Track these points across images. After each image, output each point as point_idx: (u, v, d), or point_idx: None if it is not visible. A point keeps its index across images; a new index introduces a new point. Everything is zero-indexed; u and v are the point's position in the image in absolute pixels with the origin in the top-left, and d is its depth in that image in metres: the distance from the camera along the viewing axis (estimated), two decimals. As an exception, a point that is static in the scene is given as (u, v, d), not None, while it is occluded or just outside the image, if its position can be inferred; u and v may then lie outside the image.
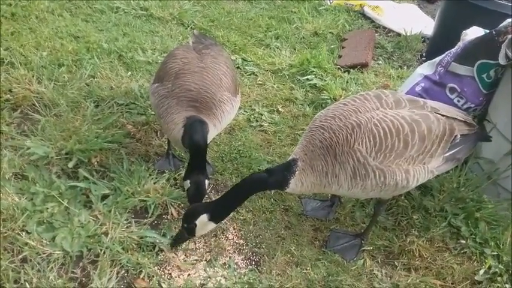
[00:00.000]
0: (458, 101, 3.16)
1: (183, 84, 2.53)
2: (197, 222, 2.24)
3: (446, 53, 3.24)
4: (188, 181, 2.40)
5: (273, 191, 2.87)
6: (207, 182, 2.44)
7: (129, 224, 2.44)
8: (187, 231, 2.30)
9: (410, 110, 2.36)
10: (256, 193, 2.43)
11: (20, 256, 2.20)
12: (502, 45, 2.83)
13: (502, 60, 2.79)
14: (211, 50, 2.74)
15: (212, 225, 2.30)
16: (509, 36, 2.84)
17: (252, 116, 3.58)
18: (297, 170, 2.23)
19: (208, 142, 2.62)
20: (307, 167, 2.24)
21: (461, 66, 3.10)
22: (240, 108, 3.61)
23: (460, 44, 3.17)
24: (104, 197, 2.56)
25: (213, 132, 2.56)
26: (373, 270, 2.49)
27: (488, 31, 3.01)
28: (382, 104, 2.34)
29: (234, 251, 2.48)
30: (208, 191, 2.83)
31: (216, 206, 2.27)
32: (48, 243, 2.27)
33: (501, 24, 2.93)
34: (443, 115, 2.41)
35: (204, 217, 2.23)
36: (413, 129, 2.24)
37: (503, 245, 2.57)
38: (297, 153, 2.30)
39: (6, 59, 3.44)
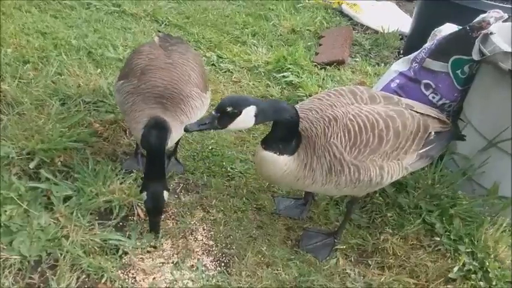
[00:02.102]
0: (433, 97, 3.13)
1: (150, 80, 2.43)
2: (244, 111, 1.97)
3: (420, 49, 3.21)
4: (145, 193, 2.23)
5: (245, 190, 2.80)
6: (166, 193, 2.25)
7: (92, 226, 2.34)
8: (224, 118, 1.98)
9: (385, 106, 2.31)
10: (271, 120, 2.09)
11: (-26, 261, 2.08)
12: (476, 40, 2.81)
13: (475, 56, 2.77)
14: (178, 47, 2.66)
15: (250, 123, 2.01)
16: (483, 31, 2.81)
17: (226, 114, 3.48)
18: (297, 150, 2.10)
19: (175, 141, 2.53)
20: (297, 153, 2.11)
21: (435, 62, 3.07)
22: (213, 105, 3.50)
23: (434, 40, 3.13)
24: (67, 198, 2.45)
25: (180, 129, 2.46)
26: (346, 270, 2.42)
27: (461, 27, 2.98)
28: (357, 100, 2.29)
29: (203, 253, 2.39)
30: (178, 191, 2.75)
31: (261, 103, 2.02)
32: (5, 247, 2.14)
33: (475, 20, 2.90)
34: (417, 112, 2.37)
35: (251, 109, 1.97)
36: (388, 125, 2.19)
37: (477, 241, 2.52)
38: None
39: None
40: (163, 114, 2.35)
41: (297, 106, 2.33)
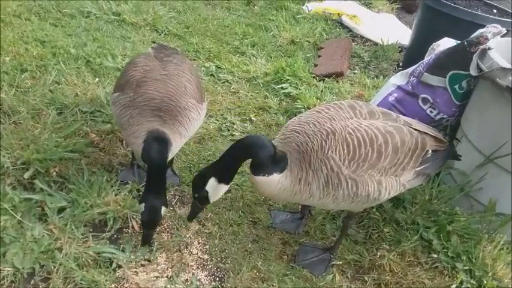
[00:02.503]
0: (431, 111, 3.13)
1: (146, 93, 2.42)
2: (208, 188, 2.14)
3: (419, 63, 3.21)
4: (143, 205, 2.22)
5: (241, 203, 2.78)
6: (164, 209, 2.25)
7: (86, 239, 2.31)
8: (200, 201, 2.20)
9: (384, 121, 2.30)
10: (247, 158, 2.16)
11: (-35, 273, 2.05)
12: (474, 56, 2.81)
13: (473, 72, 2.76)
14: (174, 58, 2.64)
15: (224, 188, 2.17)
16: (481, 47, 2.81)
17: (224, 125, 3.48)
18: (286, 168, 2.10)
19: (175, 153, 2.52)
20: (288, 169, 2.11)
21: (433, 76, 3.07)
22: (211, 116, 3.53)
23: (432, 55, 3.13)
24: (61, 209, 2.43)
25: (179, 142, 2.46)
26: (342, 286, 2.40)
27: (460, 42, 2.98)
28: (356, 114, 2.28)
29: (198, 267, 2.37)
30: (173, 203, 2.73)
31: (219, 168, 2.13)
32: (-3, 259, 2.12)
33: (473, 35, 2.91)
34: (415, 129, 2.36)
35: (212, 181, 2.12)
36: (387, 140, 2.18)
37: (475, 259, 2.51)
38: (281, 147, 2.15)
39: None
40: (162, 127, 2.34)
41: (296, 118, 2.33)
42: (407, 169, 2.27)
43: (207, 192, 2.16)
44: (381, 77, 4.56)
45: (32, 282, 2.12)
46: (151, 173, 2.28)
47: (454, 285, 2.38)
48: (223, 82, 4.07)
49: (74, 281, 2.12)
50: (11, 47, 3.64)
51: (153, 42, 4.37)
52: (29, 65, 3.51)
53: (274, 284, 2.34)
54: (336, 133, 2.14)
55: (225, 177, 2.14)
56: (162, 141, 2.29)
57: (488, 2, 4.57)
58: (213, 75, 4.14)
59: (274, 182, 2.09)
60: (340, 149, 2.11)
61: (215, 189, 2.15)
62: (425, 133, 2.40)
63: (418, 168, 2.35)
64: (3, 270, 2.09)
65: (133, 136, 2.33)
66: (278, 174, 2.08)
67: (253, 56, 4.55)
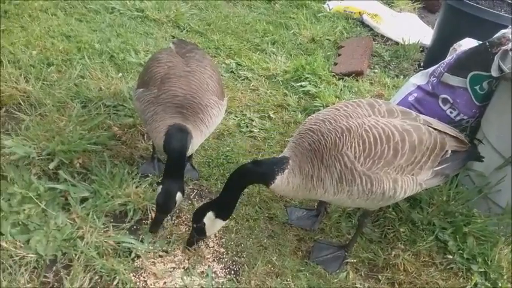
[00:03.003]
0: (451, 112, 3.11)
1: (170, 90, 2.47)
2: (205, 220, 2.27)
3: (439, 63, 3.20)
4: (160, 187, 2.31)
5: (258, 199, 2.82)
6: (179, 194, 2.31)
7: (107, 228, 2.39)
8: (197, 232, 2.32)
9: (402, 120, 2.31)
10: (248, 185, 2.34)
11: (-8, 258, 2.14)
12: (495, 56, 2.78)
13: (494, 73, 2.74)
14: (195, 54, 2.69)
15: (222, 222, 2.32)
16: (503, 47, 2.79)
17: (243, 121, 3.52)
18: (287, 168, 2.19)
19: (195, 149, 2.57)
20: (295, 168, 2.20)
21: (454, 77, 3.05)
22: (230, 113, 3.58)
23: (453, 55, 3.11)
24: (83, 199, 2.51)
25: (200, 138, 2.51)
26: (355, 284, 2.42)
27: (481, 42, 2.96)
28: (374, 112, 2.30)
29: (214, 260, 2.42)
30: (191, 197, 2.79)
31: (218, 203, 2.27)
32: (22, 245, 2.21)
33: (495, 36, 2.88)
34: (435, 129, 2.36)
35: (210, 215, 2.26)
36: (404, 138, 2.19)
37: (491, 261, 2.50)
38: (286, 153, 2.27)
39: (-5, 57, 3.41)
40: (184, 122, 2.40)
41: (314, 115, 2.38)
42: (424, 168, 2.27)
43: (204, 225, 2.28)
44: (401, 77, 4.54)
45: (54, 268, 2.20)
46: (170, 162, 2.34)
47: (468, 287, 2.38)
48: (243, 79, 4.11)
49: (94, 269, 2.19)
50: (37, 41, 3.75)
51: (173, 37, 4.43)
52: (55, 59, 3.60)
53: (288, 280, 2.37)
54: (352, 130, 2.16)
55: (222, 213, 2.28)
56: (184, 132, 2.36)
57: (513, 2, 4.50)
58: (233, 72, 4.18)
59: (283, 183, 2.18)
60: (356, 146, 2.13)
61: (212, 223, 2.28)
62: (445, 133, 2.40)
63: (437, 168, 2.35)
64: (27, 256, 2.17)
65: (156, 131, 2.40)
66: (281, 175, 2.17)
67: (273, 53, 4.58)
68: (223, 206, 2.29)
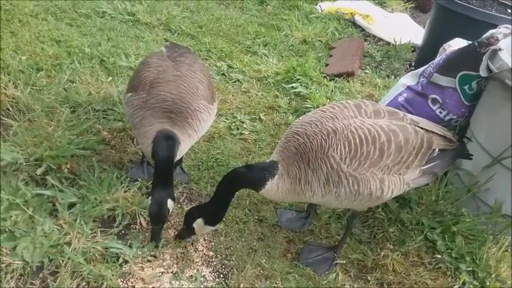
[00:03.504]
0: (441, 112, 3.12)
1: (158, 94, 2.47)
2: (194, 225, 2.32)
3: (429, 63, 3.20)
4: (149, 198, 2.29)
5: (248, 201, 2.82)
6: (170, 202, 2.31)
7: (94, 234, 2.38)
8: (188, 231, 2.38)
9: (388, 120, 2.32)
10: (238, 190, 2.36)
11: (-23, 266, 2.13)
12: (484, 56, 2.79)
13: (483, 72, 2.74)
14: (186, 58, 2.69)
15: (210, 228, 2.37)
16: (491, 47, 2.79)
17: (233, 124, 3.52)
18: (277, 173, 2.20)
19: (183, 154, 2.57)
20: (284, 172, 2.21)
21: (443, 77, 3.06)
22: (221, 115, 3.58)
23: (442, 55, 3.12)
24: (71, 205, 2.50)
25: (188, 143, 2.51)
26: (344, 285, 2.42)
27: (470, 42, 2.97)
28: (360, 113, 2.30)
29: (203, 263, 2.42)
30: (181, 201, 2.79)
31: (207, 211, 2.30)
32: (8, 252, 2.20)
33: (483, 36, 2.88)
34: (422, 128, 2.36)
35: (199, 221, 2.30)
36: (390, 138, 2.20)
37: (479, 260, 2.50)
38: (274, 157, 2.28)
39: (-17, 63, 3.40)
40: (172, 129, 2.40)
41: (300, 118, 2.38)
42: (411, 168, 2.27)
43: (193, 228, 2.34)
44: (392, 77, 4.55)
45: (41, 275, 2.19)
46: (158, 170, 2.34)
47: (456, 286, 2.39)
48: (234, 81, 4.11)
49: (81, 275, 2.19)
50: (27, 47, 3.74)
51: (166, 40, 4.42)
52: (45, 64, 3.60)
53: (278, 282, 2.37)
54: (337, 132, 2.17)
55: (210, 220, 2.32)
56: (171, 140, 2.35)
57: (503, 1, 4.50)
58: (224, 75, 4.18)
59: (273, 189, 2.20)
60: (341, 147, 2.14)
61: (201, 227, 2.34)
62: (432, 132, 2.40)
63: (424, 167, 2.35)
64: (13, 263, 2.16)
65: (144, 137, 2.39)
66: (271, 180, 2.19)
67: (265, 55, 4.58)
68: (212, 213, 2.31)
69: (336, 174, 2.14)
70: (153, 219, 2.32)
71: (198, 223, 2.30)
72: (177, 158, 2.47)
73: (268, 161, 2.30)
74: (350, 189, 2.16)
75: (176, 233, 2.48)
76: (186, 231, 2.40)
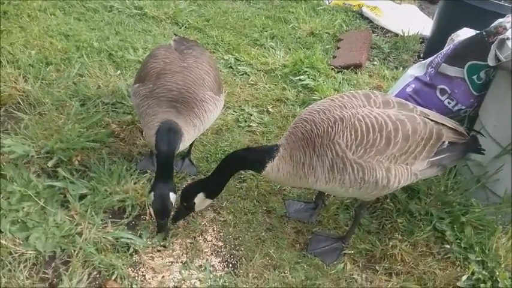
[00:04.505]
0: (449, 102, 3.10)
1: (165, 84, 2.49)
2: (195, 200, 2.34)
3: (437, 54, 3.18)
4: (152, 194, 2.29)
5: (256, 192, 2.83)
6: (173, 195, 2.31)
7: (105, 225, 2.41)
8: (187, 208, 2.39)
9: (397, 110, 2.32)
10: (239, 170, 2.46)
11: (-9, 255, 2.18)
12: (492, 46, 2.77)
13: (491, 62, 2.73)
14: (193, 50, 2.70)
15: (209, 201, 2.41)
16: (499, 37, 2.77)
17: (241, 116, 3.53)
18: (277, 155, 2.24)
19: (187, 144, 2.57)
20: (286, 155, 2.25)
21: (451, 67, 3.04)
22: (229, 108, 3.59)
23: (450, 45, 3.10)
24: (82, 196, 2.53)
25: (193, 133, 2.52)
26: (353, 275, 2.43)
27: (478, 32, 2.95)
28: (369, 103, 2.31)
29: (212, 253, 2.44)
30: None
31: (208, 185, 2.35)
32: (21, 242, 2.24)
33: (491, 25, 2.86)
34: (432, 120, 2.36)
35: (201, 195, 2.33)
36: (397, 127, 2.20)
37: (488, 250, 2.50)
38: (280, 141, 2.32)
39: (-7, 57, 3.44)
40: (177, 118, 2.41)
41: (310, 106, 2.41)
42: (419, 158, 2.27)
43: (194, 204, 2.36)
44: (401, 68, 4.52)
45: (53, 265, 2.23)
46: (160, 162, 2.35)
47: (465, 276, 2.38)
48: (242, 74, 4.12)
49: (93, 265, 2.22)
50: (36, 41, 3.77)
51: (176, 34, 4.42)
52: (54, 58, 3.63)
53: (286, 272, 2.39)
54: (344, 120, 2.18)
55: (211, 194, 2.36)
56: (173, 132, 2.36)
57: (513, -9, 4.45)
58: (231, 68, 4.19)
59: (273, 170, 2.24)
60: (348, 135, 2.15)
61: (201, 202, 2.37)
62: (442, 124, 2.39)
63: (433, 159, 2.34)
64: (26, 253, 2.21)
65: (147, 127, 2.41)
66: (271, 162, 2.24)
67: (272, 48, 4.57)
68: (212, 187, 2.35)
69: (341, 161, 2.15)
70: (158, 215, 2.33)
71: (200, 197, 2.33)
72: (182, 148, 2.48)
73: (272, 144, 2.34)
74: (355, 177, 2.17)
75: (173, 217, 2.45)
76: (183, 210, 2.40)
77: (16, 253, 2.19)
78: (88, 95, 3.31)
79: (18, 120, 3.00)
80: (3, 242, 2.20)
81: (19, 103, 3.13)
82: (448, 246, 2.56)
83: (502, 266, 2.41)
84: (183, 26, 4.74)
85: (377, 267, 2.48)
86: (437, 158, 2.37)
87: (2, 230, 2.25)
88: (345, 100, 2.31)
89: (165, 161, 2.33)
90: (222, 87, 2.83)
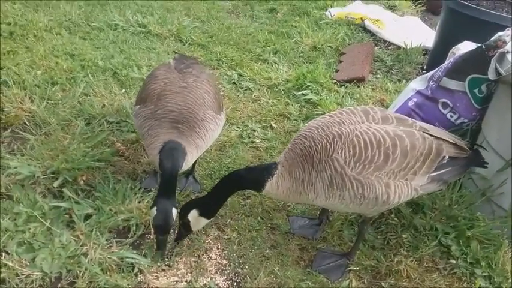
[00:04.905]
0: (451, 116, 3.11)
1: (165, 106, 2.52)
2: (189, 217, 2.35)
3: (438, 67, 3.20)
4: (155, 209, 2.30)
5: (260, 209, 2.84)
6: (175, 211, 2.32)
7: (110, 244, 2.42)
8: (184, 227, 2.40)
9: (396, 126, 2.33)
10: (238, 191, 2.48)
11: (-2, 278, 2.20)
12: (492, 59, 2.78)
13: (491, 75, 2.73)
14: (193, 69, 2.73)
15: (205, 221, 2.40)
16: (499, 50, 2.78)
17: (245, 132, 3.55)
18: (275, 173, 2.26)
19: (190, 164, 2.58)
20: (285, 172, 2.26)
21: (452, 81, 3.05)
22: (232, 124, 3.61)
23: (451, 59, 3.11)
24: (87, 216, 2.55)
25: (195, 153, 2.54)
26: (358, 292, 2.42)
27: (478, 45, 2.96)
28: (368, 119, 2.32)
29: (216, 272, 2.44)
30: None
31: (203, 203, 2.36)
32: (27, 264, 2.26)
33: (491, 39, 2.87)
34: (432, 135, 2.36)
35: (194, 212, 2.33)
36: (396, 143, 2.21)
37: (495, 265, 2.48)
38: (279, 159, 2.34)
39: (0, 78, 3.48)
40: (179, 139, 2.43)
41: (309, 123, 2.43)
42: (419, 174, 2.27)
43: (189, 221, 2.35)
44: (404, 81, 4.54)
45: (59, 286, 2.24)
46: (164, 180, 2.37)
47: (471, 292, 2.37)
48: (245, 90, 4.15)
49: (98, 285, 2.23)
50: (42, 61, 3.84)
51: (176, 52, 4.49)
52: (59, 78, 3.69)
53: (291, 289, 2.39)
54: (343, 136, 2.20)
55: (205, 212, 2.35)
56: (177, 151, 2.39)
57: (514, 2, 4.47)
58: (235, 83, 4.22)
59: (273, 188, 2.26)
60: (346, 151, 2.16)
61: (196, 220, 2.36)
62: (442, 139, 2.40)
63: (433, 174, 2.34)
64: (32, 274, 2.22)
65: (151, 148, 2.44)
66: (270, 180, 2.26)
67: (275, 63, 4.61)
68: (208, 206, 2.36)
69: (340, 177, 2.16)
70: (160, 230, 2.33)
71: (193, 214, 2.34)
72: (184, 168, 2.50)
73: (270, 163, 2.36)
74: (354, 193, 2.18)
75: (175, 236, 2.50)
76: (183, 230, 2.41)
77: (23, 275, 2.21)
78: (93, 114, 3.35)
79: (25, 140, 3.04)
80: (9, 263, 2.22)
81: (25, 123, 3.18)
82: (454, 261, 2.54)
83: (509, 280, 2.39)
84: (186, 43, 4.79)
85: (382, 284, 2.47)
86: (437, 173, 2.37)
87: (9, 251, 2.27)
88: (344, 116, 2.33)
89: (169, 178, 2.35)
90: (223, 105, 2.86)
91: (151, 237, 2.56)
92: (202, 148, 2.56)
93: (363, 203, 2.20)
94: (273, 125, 3.69)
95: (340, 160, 2.15)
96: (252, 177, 2.29)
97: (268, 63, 4.62)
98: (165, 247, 2.41)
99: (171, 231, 2.47)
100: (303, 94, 4.08)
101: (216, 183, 2.35)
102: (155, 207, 2.30)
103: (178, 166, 2.37)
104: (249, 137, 3.51)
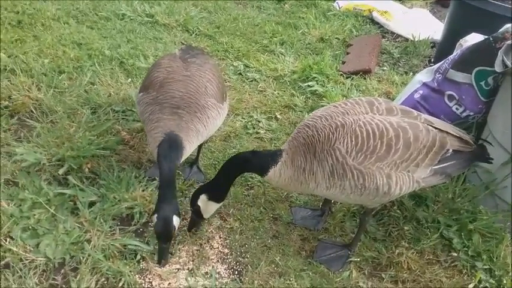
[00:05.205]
0: (457, 108, 3.09)
1: (167, 92, 2.53)
2: (199, 203, 2.38)
3: (444, 59, 3.17)
4: (155, 216, 2.25)
5: (263, 199, 2.86)
6: (176, 219, 2.26)
7: (113, 231, 2.46)
8: (195, 214, 2.44)
9: (400, 118, 2.32)
10: (242, 173, 2.49)
11: (2, 262, 2.23)
12: (499, 51, 2.75)
13: (498, 68, 2.71)
14: (197, 59, 2.74)
15: (215, 205, 2.43)
16: (507, 42, 2.75)
17: (249, 123, 3.56)
18: (280, 160, 2.28)
19: (191, 152, 2.58)
20: (288, 160, 2.28)
21: (459, 73, 3.03)
22: (237, 114, 3.62)
23: (458, 51, 3.09)
24: (92, 204, 2.59)
25: (196, 139, 2.54)
26: (358, 282, 2.43)
27: (485, 37, 2.93)
28: (372, 110, 2.32)
29: (218, 260, 2.47)
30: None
31: (211, 186, 2.39)
32: (32, 249, 2.30)
33: (498, 31, 2.85)
34: (436, 128, 2.35)
35: (203, 197, 2.37)
36: (399, 134, 2.21)
37: (496, 258, 2.48)
38: (283, 147, 2.36)
39: (8, 66, 3.52)
40: (179, 127, 2.44)
41: (313, 112, 2.44)
42: (421, 166, 2.27)
43: (199, 207, 2.39)
44: (411, 74, 4.50)
45: (62, 271, 2.28)
46: (162, 183, 2.33)
47: (472, 284, 2.37)
48: (251, 81, 4.14)
49: (101, 271, 2.27)
50: (49, 50, 3.86)
51: (183, 43, 4.50)
52: (66, 67, 3.71)
53: (291, 279, 2.40)
54: (346, 126, 2.20)
55: (214, 195, 2.38)
56: (175, 148, 2.38)
57: (524, -6, 4.40)
58: (241, 74, 4.22)
59: (275, 175, 2.27)
60: (348, 141, 2.17)
61: (206, 205, 2.39)
62: (447, 132, 2.39)
63: (436, 167, 2.34)
64: (36, 259, 2.26)
65: (150, 135, 2.45)
66: (274, 167, 2.27)
67: (282, 54, 4.60)
68: (216, 190, 2.38)
69: (341, 167, 2.17)
70: (160, 238, 2.29)
71: (202, 199, 2.37)
72: (185, 156, 2.49)
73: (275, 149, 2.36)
74: (355, 183, 2.19)
75: (188, 225, 2.54)
76: (195, 217, 2.45)
77: (26, 260, 2.25)
78: (99, 102, 3.37)
79: (31, 128, 3.07)
80: (14, 248, 2.26)
81: (32, 111, 3.21)
82: (455, 254, 2.55)
83: (510, 274, 2.39)
84: (193, 33, 4.79)
85: (383, 275, 2.48)
86: (440, 166, 2.36)
87: (14, 237, 2.31)
88: (348, 107, 2.33)
89: (168, 180, 2.32)
90: (226, 95, 2.86)
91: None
92: (204, 135, 2.57)
93: (364, 193, 2.21)
94: (278, 116, 3.69)
95: (342, 150, 2.16)
96: (257, 161, 2.31)
97: (274, 54, 4.61)
98: (168, 256, 2.37)
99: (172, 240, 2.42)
100: (308, 86, 4.07)
101: (221, 166, 2.36)
102: (156, 215, 2.26)
103: (174, 166, 2.35)
104: (254, 128, 3.52)
